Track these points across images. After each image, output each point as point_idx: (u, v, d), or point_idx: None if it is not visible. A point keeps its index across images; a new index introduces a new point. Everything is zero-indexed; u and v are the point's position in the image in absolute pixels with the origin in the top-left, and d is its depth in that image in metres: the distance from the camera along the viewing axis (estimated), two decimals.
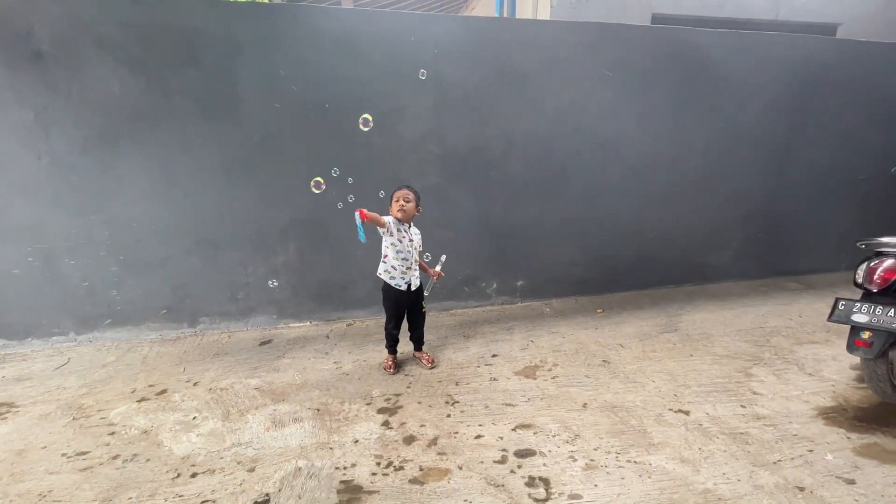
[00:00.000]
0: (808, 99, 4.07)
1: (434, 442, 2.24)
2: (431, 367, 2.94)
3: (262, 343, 3.40)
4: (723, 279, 4.38)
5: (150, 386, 2.81)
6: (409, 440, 2.25)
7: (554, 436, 2.26)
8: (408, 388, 2.73)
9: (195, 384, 2.83)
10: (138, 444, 2.26)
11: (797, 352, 3.08)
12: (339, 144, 3.38)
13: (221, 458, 2.15)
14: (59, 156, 3.05)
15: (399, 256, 2.72)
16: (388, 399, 2.61)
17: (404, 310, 2.91)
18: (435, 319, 3.72)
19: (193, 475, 2.04)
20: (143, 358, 3.19)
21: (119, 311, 3.40)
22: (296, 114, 3.30)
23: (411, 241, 2.76)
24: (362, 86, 3.31)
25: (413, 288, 2.82)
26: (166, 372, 2.99)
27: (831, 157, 4.25)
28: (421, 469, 2.06)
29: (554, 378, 2.81)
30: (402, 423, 2.39)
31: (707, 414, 2.41)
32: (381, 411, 2.50)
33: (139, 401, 2.65)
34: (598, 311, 3.82)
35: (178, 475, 2.04)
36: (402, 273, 2.76)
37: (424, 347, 3.09)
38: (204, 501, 1.89)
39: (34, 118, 2.96)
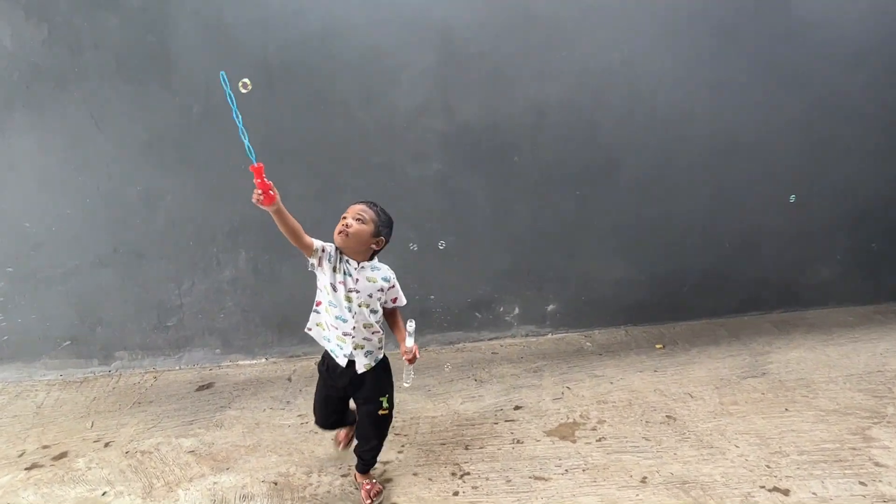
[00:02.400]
0: None
1: None
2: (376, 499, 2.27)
3: (201, 388, 3.32)
4: (825, 304, 4.31)
5: (45, 447, 2.73)
6: None
7: None
8: (399, 452, 2.64)
9: (107, 445, 2.74)
10: None
11: None
12: (307, 117, 3.31)
13: None
14: None
15: (332, 311, 2.14)
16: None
17: (338, 402, 2.34)
18: (436, 357, 3.64)
19: None
20: (36, 407, 3.10)
21: (5, 343, 3.33)
22: (251, 76, 3.22)
23: (357, 291, 2.11)
24: (340, 38, 3.25)
25: (360, 368, 2.17)
26: (67, 427, 2.90)
27: None
28: None
29: (600, 441, 2.72)
30: None
31: (814, 494, 2.32)
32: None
33: (29, 468, 2.56)
34: (658, 346, 3.75)
35: None
36: (339, 340, 2.17)
37: (375, 470, 2.43)
38: None
39: None
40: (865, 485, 2.39)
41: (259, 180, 1.83)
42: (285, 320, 3.59)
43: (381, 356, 2.27)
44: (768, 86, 3.80)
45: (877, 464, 2.53)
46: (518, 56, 3.47)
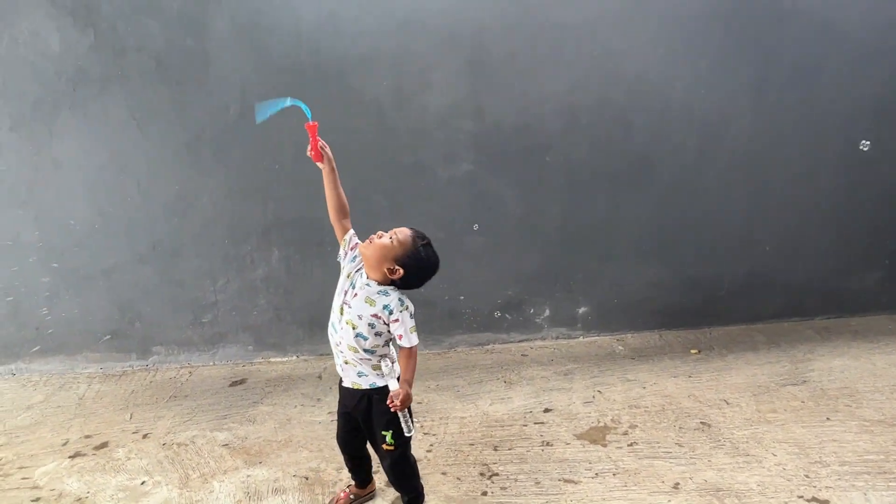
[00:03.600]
0: None
1: None
2: None
3: (234, 383, 3.42)
4: (871, 311, 4.18)
5: (87, 437, 2.86)
6: None
7: None
8: (428, 451, 2.69)
9: (145, 436, 2.86)
10: None
11: None
12: (340, 119, 3.39)
13: None
14: None
15: (331, 316, 2.05)
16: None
17: (353, 425, 2.16)
18: (465, 358, 3.68)
19: None
20: (79, 398, 3.25)
21: (50, 336, 3.49)
22: (285, 79, 3.33)
23: (349, 306, 1.95)
24: (372, 41, 3.32)
25: (346, 383, 2.05)
26: (108, 419, 3.03)
27: None
28: None
29: (631, 445, 2.72)
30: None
31: None
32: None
33: (72, 456, 2.69)
34: (693, 351, 3.71)
35: None
36: (335, 349, 2.05)
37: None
38: None
39: None
40: None
41: (312, 138, 1.97)
42: (316, 319, 3.67)
43: (381, 384, 1.96)
44: (812, 84, 3.71)
45: None
46: (549, 58, 3.47)
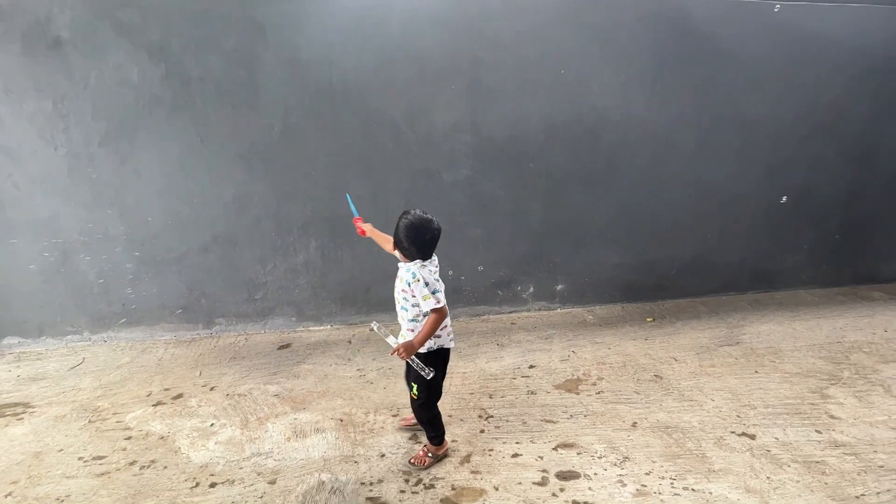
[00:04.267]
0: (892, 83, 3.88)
1: (467, 459, 2.25)
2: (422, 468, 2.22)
3: (281, 347, 3.49)
4: (793, 286, 4.23)
5: (166, 389, 2.93)
6: (440, 458, 2.27)
7: (600, 457, 2.23)
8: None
9: (212, 389, 2.93)
10: (155, 451, 2.36)
11: (882, 371, 2.94)
12: (364, 133, 3.42)
13: (241, 468, 2.22)
14: (77, 147, 3.20)
15: None
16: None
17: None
18: (465, 326, 3.73)
19: (212, 485, 2.12)
20: (157, 360, 3.32)
21: (134, 310, 3.55)
22: (319, 102, 3.36)
23: (395, 287, 2.11)
24: (390, 68, 3.34)
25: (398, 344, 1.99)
26: (182, 375, 3.10)
27: None
28: (453, 488, 2.07)
29: (599, 393, 2.78)
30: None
31: (776, 439, 2.34)
32: (410, 424, 2.53)
33: (155, 405, 2.76)
34: (648, 319, 3.76)
35: (197, 484, 2.12)
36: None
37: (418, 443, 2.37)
38: None
39: (52, 108, 3.12)
40: (821, 433, 2.40)
41: (358, 228, 2.41)
42: (346, 295, 3.73)
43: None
44: (745, 100, 3.73)
45: (832, 416, 2.53)
46: (531, 83, 3.49)
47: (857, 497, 1.96)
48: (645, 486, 2.05)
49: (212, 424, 2.56)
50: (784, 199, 4.02)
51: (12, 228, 3.26)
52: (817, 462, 2.17)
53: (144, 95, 3.19)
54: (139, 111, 3.21)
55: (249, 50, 3.21)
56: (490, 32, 3.35)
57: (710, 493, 2.00)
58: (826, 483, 2.05)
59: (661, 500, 1.96)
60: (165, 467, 2.24)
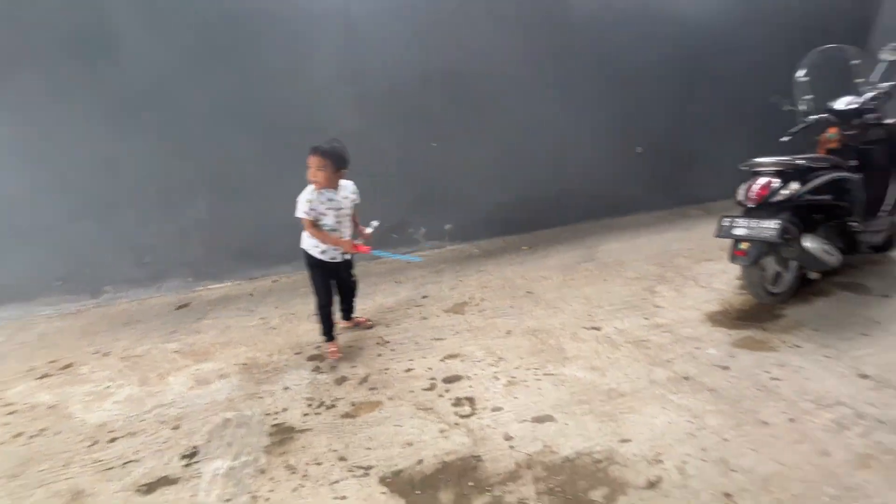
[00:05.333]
0: (704, 45, 4.35)
1: (365, 380, 2.35)
2: (370, 328, 2.84)
3: (180, 307, 3.27)
4: (636, 211, 4.76)
5: (52, 362, 2.65)
6: (341, 381, 2.34)
7: (479, 361, 2.44)
8: (338, 334, 2.79)
9: (105, 355, 2.70)
10: (45, 420, 2.15)
11: (694, 269, 3.48)
12: (242, 88, 3.16)
13: (142, 420, 2.12)
14: None
15: (327, 228, 2.41)
16: (319, 347, 2.65)
17: (334, 283, 2.61)
18: (365, 269, 3.75)
19: (112, 440, 2.00)
20: (39, 335, 2.96)
21: (3, 287, 3.09)
22: (188, 54, 3.01)
23: (340, 209, 2.44)
24: (264, 21, 3.07)
25: (346, 257, 2.58)
26: (69, 346, 2.81)
27: (726, 97, 4.62)
28: (353, 405, 2.16)
29: (481, 311, 2.99)
30: (334, 367, 2.46)
31: (615, 328, 2.71)
32: (311, 358, 2.55)
33: (40, 377, 2.50)
34: (524, 248, 4.04)
35: (95, 442, 1.99)
36: (335, 245, 2.45)
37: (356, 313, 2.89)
38: (126, 462, 1.87)
39: None
40: (648, 319, 2.80)
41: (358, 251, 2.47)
42: (243, 251, 3.55)
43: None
44: (590, 62, 3.98)
45: (656, 306, 2.96)
46: (409, 37, 3.42)
47: (667, 360, 2.37)
48: (514, 377, 2.29)
49: (107, 387, 2.39)
50: (639, 149, 4.44)
51: None
52: (643, 340, 2.57)
53: None
54: None
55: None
56: None
57: (564, 374, 2.30)
58: (648, 354, 2.44)
59: (527, 386, 2.22)
60: (58, 433, 2.07)
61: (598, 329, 2.71)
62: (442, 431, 1.96)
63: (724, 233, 2.74)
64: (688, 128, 4.63)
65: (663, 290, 3.17)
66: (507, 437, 1.91)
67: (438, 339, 2.68)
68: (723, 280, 3.24)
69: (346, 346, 2.65)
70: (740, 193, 2.76)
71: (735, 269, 3.27)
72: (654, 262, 3.66)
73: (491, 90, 3.78)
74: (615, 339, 2.59)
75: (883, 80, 3.19)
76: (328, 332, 2.56)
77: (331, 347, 2.56)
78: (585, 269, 3.56)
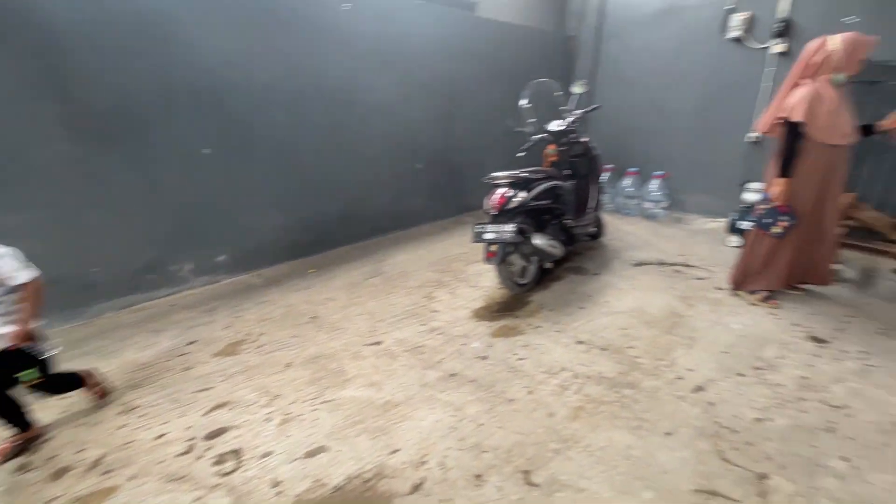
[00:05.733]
0: (462, 68, 4.97)
1: (97, 463, 1.90)
2: (104, 397, 2.27)
3: None
4: (420, 223, 5.12)
5: None
6: (60, 474, 1.85)
7: (251, 405, 2.24)
8: (62, 413, 2.21)
9: None
10: None
11: (467, 271, 3.90)
12: None
13: None
14: None
15: None
16: (28, 438, 2.05)
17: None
18: (112, 321, 3.09)
19: None
20: None
21: None
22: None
23: None
24: None
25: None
26: None
27: (479, 121, 5.35)
28: (77, 500, 1.72)
29: (259, 348, 2.76)
30: (51, 458, 1.93)
31: (395, 339, 2.83)
32: (13, 455, 1.95)
33: None
34: (311, 271, 3.91)
35: None
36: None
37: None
38: None
39: None
40: (425, 325, 3.00)
41: None
42: None
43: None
44: (323, 75, 4.12)
45: (433, 311, 3.20)
46: (143, 41, 2.95)
47: (438, 361, 2.58)
48: (289, 413, 2.17)
49: None
50: (419, 165, 4.75)
51: None
52: (419, 346, 2.74)
53: None
54: None
55: None
56: None
57: (342, 397, 2.28)
58: (423, 359, 2.61)
59: (301, 420, 2.12)
60: None
61: (379, 343, 2.78)
62: (197, 500, 1.71)
63: (477, 238, 3.13)
64: (455, 147, 5.20)
65: (440, 295, 3.45)
66: (275, 484, 1.78)
67: (204, 390, 2.36)
68: (488, 278, 3.71)
69: (71, 427, 2.11)
70: (486, 203, 3.20)
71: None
72: (435, 268, 3.97)
73: (250, 105, 3.53)
74: (394, 351, 2.70)
75: (578, 107, 4.14)
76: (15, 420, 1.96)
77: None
78: (371, 285, 3.64)
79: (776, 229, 3.00)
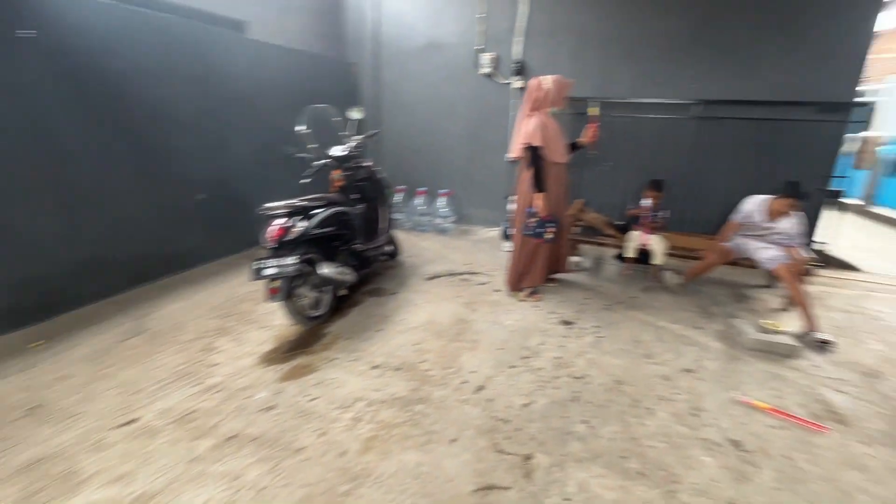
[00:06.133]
0: (237, 90, 4.55)
1: None
2: None
3: None
4: (200, 263, 4.45)
5: None
6: None
7: None
8: None
9: None
10: None
11: (257, 311, 3.53)
12: None
13: None
14: None
15: None
16: None
17: None
18: None
19: None
20: None
21: None
22: None
23: None
24: None
25: None
26: None
27: (268, 143, 4.99)
28: None
29: None
30: None
31: (157, 411, 2.34)
32: None
33: None
34: (33, 345, 2.98)
35: None
36: None
37: None
38: None
39: None
40: (200, 383, 2.58)
41: None
42: None
43: None
44: (102, 108, 3.37)
45: (212, 365, 2.77)
46: None
47: (212, 426, 2.22)
48: None
49: None
50: (201, 196, 4.08)
51: None
52: (190, 412, 2.32)
53: None
54: None
55: None
56: None
57: None
58: (193, 428, 2.21)
59: None
60: None
61: (133, 422, 2.26)
62: None
63: (256, 276, 2.85)
64: (236, 175, 4.70)
65: (223, 344, 3.04)
66: None
67: None
68: (281, 316, 3.42)
69: None
70: (263, 236, 2.95)
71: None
72: (217, 314, 3.49)
73: None
74: (155, 426, 2.23)
75: (357, 132, 4.20)
76: None
77: None
78: (129, 347, 2.98)
79: (548, 235, 3.55)
